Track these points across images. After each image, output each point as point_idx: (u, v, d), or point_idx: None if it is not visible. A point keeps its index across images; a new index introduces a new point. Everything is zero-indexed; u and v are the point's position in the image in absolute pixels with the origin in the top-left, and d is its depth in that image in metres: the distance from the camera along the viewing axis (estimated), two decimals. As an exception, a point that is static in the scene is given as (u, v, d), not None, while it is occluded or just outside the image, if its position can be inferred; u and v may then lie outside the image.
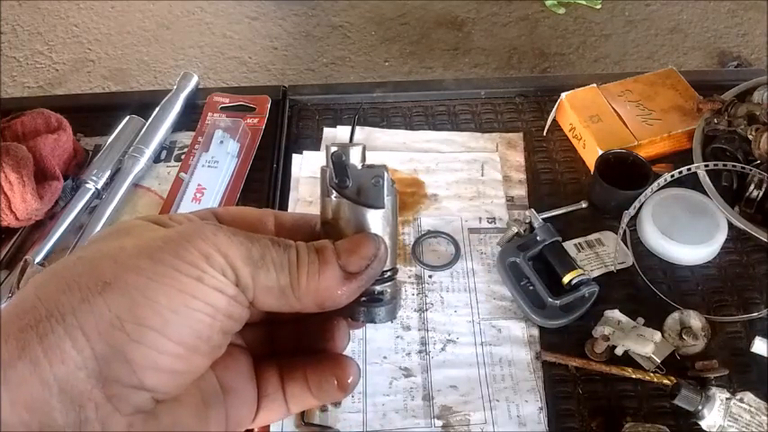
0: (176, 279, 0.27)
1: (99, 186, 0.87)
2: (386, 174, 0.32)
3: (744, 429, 0.64)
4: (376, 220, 0.32)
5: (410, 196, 0.88)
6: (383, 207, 0.32)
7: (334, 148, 0.32)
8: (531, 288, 0.76)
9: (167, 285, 0.27)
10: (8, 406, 0.23)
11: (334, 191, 0.32)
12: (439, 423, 0.69)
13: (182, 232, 0.29)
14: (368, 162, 0.33)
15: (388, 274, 0.33)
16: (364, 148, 0.33)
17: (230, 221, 0.33)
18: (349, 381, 0.33)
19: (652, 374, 0.70)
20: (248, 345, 0.34)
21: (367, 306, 0.32)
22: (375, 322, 0.32)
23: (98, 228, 0.83)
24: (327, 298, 0.30)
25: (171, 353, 0.27)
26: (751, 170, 0.81)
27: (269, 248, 0.29)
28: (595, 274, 0.78)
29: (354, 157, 0.32)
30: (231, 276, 0.28)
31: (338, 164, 0.31)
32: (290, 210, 0.87)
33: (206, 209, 0.34)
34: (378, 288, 0.32)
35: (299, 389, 0.33)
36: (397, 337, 0.75)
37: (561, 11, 2.47)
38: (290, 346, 0.35)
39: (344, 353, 0.35)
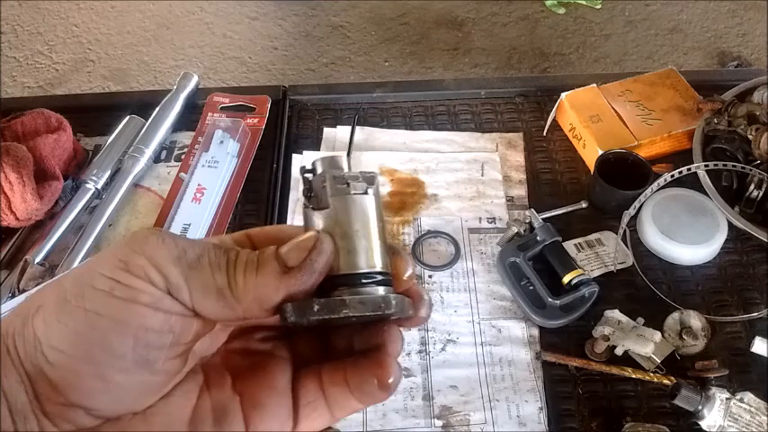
0: (86, 297, 0.27)
1: (99, 186, 0.87)
2: (328, 174, 0.31)
3: (744, 429, 0.64)
4: (319, 220, 0.31)
5: (410, 196, 0.88)
6: (326, 207, 0.31)
7: (304, 165, 0.32)
8: (531, 288, 0.76)
9: (76, 305, 0.27)
10: None
11: (305, 205, 0.32)
12: (439, 423, 0.70)
13: (118, 242, 0.30)
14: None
15: (379, 277, 0.31)
16: (348, 158, 0.33)
17: (261, 241, 0.33)
18: (390, 380, 0.31)
19: (652, 374, 0.70)
20: (293, 353, 0.34)
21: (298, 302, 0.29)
22: (298, 318, 0.29)
23: (98, 228, 0.83)
24: (267, 296, 0.29)
25: (85, 374, 0.27)
26: (751, 170, 0.81)
27: (208, 250, 0.29)
28: (595, 274, 0.78)
29: (336, 168, 0.32)
30: (158, 280, 0.27)
31: (304, 179, 0.32)
32: (289, 209, 0.87)
33: (241, 231, 0.34)
34: (340, 295, 0.30)
35: (341, 393, 0.32)
36: (397, 337, 0.75)
37: (561, 11, 2.47)
38: (340, 351, 0.34)
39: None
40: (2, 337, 0.27)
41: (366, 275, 0.31)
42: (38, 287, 0.75)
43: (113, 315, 0.27)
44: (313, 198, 0.31)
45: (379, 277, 0.31)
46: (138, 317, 0.27)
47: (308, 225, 0.31)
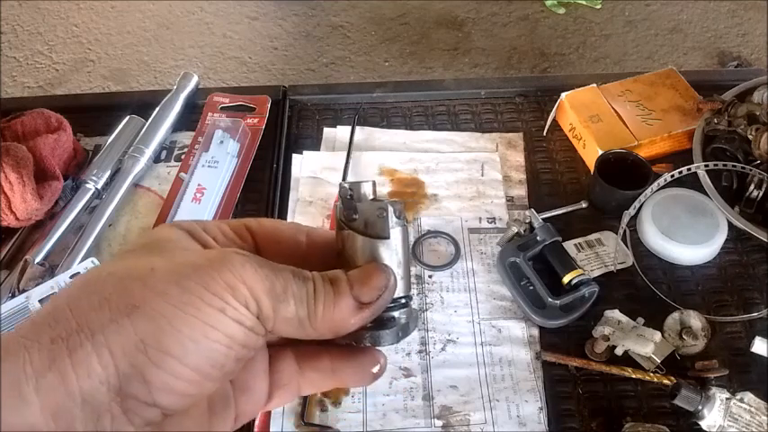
0: (200, 309, 0.28)
1: (99, 186, 0.87)
2: (390, 207, 0.34)
3: (744, 429, 0.64)
4: (383, 250, 0.34)
5: (410, 196, 0.88)
6: (388, 237, 0.34)
7: (345, 185, 0.34)
8: (531, 288, 0.76)
9: (191, 315, 0.28)
10: (38, 412, 0.26)
11: (344, 224, 0.34)
12: (439, 423, 0.70)
13: (212, 260, 0.30)
14: (376, 194, 0.36)
15: (403, 301, 0.35)
16: (374, 184, 0.35)
17: (264, 237, 0.35)
18: (379, 368, 0.35)
19: (652, 374, 0.70)
20: (268, 339, 0.35)
21: (372, 331, 0.33)
22: (379, 345, 0.34)
23: (98, 228, 0.83)
24: (342, 327, 0.32)
25: (186, 378, 0.28)
26: (751, 170, 0.81)
27: (290, 282, 0.31)
28: (595, 274, 0.78)
29: (364, 192, 0.35)
30: (254, 308, 0.30)
31: (345, 200, 0.34)
32: (289, 209, 0.87)
33: (240, 220, 0.35)
34: (388, 315, 0.34)
35: (320, 376, 0.35)
36: (397, 337, 0.75)
37: (561, 11, 2.47)
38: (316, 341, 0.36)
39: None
40: (84, 334, 0.27)
41: (407, 297, 0.35)
42: (37, 287, 0.75)
43: (225, 332, 0.29)
44: (357, 222, 0.34)
45: (408, 297, 0.35)
46: (242, 336, 0.30)
47: (363, 252, 0.34)
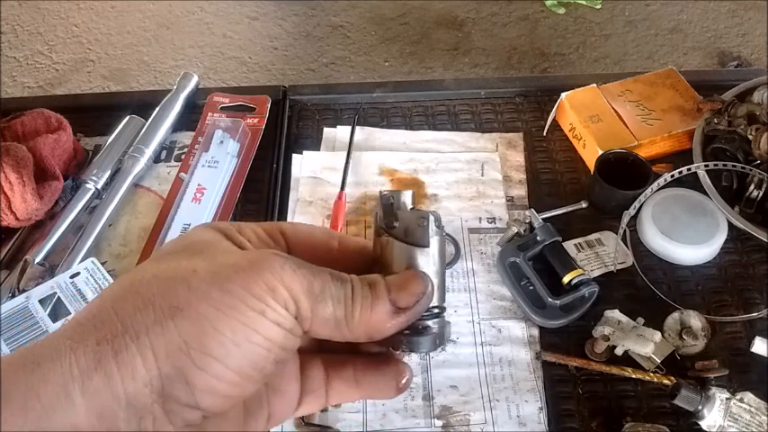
0: (242, 312, 0.29)
1: (99, 186, 0.87)
2: (431, 216, 0.34)
3: (744, 429, 0.64)
4: (422, 258, 0.34)
5: (410, 196, 0.88)
6: (428, 246, 0.34)
7: (385, 193, 0.35)
8: (531, 288, 0.76)
9: (233, 318, 0.28)
10: (83, 413, 0.26)
11: (384, 231, 0.34)
12: (439, 423, 0.70)
13: (252, 262, 0.30)
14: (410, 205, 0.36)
15: (436, 311, 0.35)
16: (413, 194, 0.36)
17: (297, 241, 0.35)
18: (404, 381, 0.35)
19: (652, 374, 0.70)
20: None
21: (409, 337, 0.34)
22: (416, 352, 0.34)
23: (98, 228, 0.83)
24: (377, 330, 0.32)
25: (227, 380, 0.29)
26: (751, 170, 0.81)
27: (329, 283, 0.31)
28: (595, 274, 0.78)
29: (404, 201, 0.35)
30: (292, 309, 0.30)
31: (387, 207, 0.35)
32: (289, 209, 0.87)
33: (274, 223, 0.36)
34: (424, 323, 0.34)
35: (346, 386, 0.36)
36: (397, 337, 0.75)
37: (561, 11, 2.47)
38: (342, 346, 0.36)
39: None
40: (129, 336, 0.27)
41: (441, 308, 0.35)
42: (37, 287, 0.75)
43: (266, 334, 0.29)
44: (397, 229, 0.34)
45: (442, 308, 0.36)
46: (282, 338, 0.30)
47: (401, 259, 0.34)
